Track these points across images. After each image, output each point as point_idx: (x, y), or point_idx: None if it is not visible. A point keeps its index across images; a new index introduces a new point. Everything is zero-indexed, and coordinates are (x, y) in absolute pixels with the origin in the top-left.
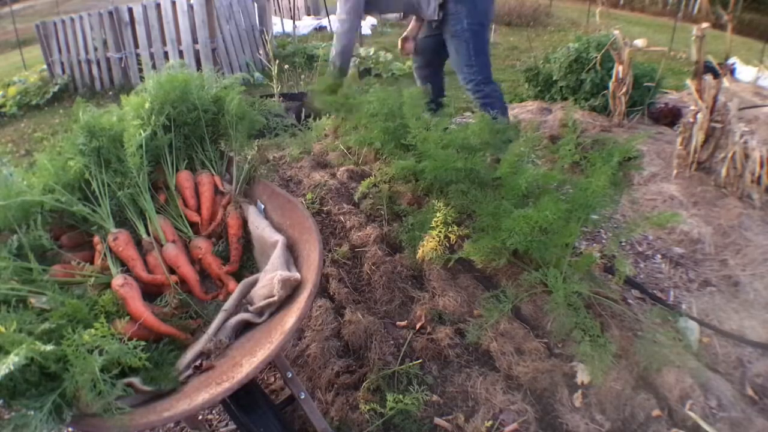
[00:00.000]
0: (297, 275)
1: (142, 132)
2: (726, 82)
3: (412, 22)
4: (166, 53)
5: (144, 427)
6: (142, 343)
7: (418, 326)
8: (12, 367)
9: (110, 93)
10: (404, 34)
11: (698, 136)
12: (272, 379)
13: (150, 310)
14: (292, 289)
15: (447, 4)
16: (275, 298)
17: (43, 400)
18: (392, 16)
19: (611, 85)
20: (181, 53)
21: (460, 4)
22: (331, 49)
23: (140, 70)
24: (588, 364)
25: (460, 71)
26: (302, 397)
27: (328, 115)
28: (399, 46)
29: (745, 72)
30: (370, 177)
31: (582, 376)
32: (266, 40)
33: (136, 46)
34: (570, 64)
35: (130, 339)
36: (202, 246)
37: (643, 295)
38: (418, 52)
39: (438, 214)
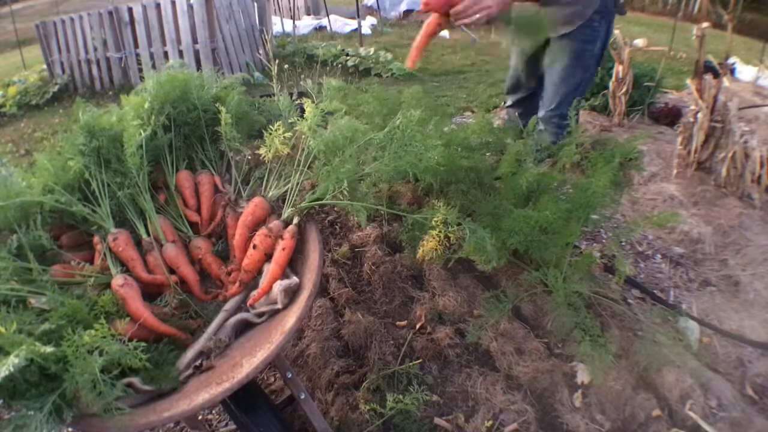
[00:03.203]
0: (296, 280)
1: (142, 132)
2: (726, 81)
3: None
4: (166, 53)
5: (144, 427)
6: (143, 343)
7: (418, 326)
8: (12, 369)
9: (110, 93)
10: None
11: (698, 136)
12: (272, 379)
13: (150, 310)
14: (293, 294)
15: (592, 15)
16: (278, 306)
17: (43, 400)
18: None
19: (611, 84)
20: (180, 53)
21: (605, 21)
22: None
23: (140, 70)
24: (588, 364)
25: (555, 95)
26: (302, 397)
27: None
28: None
29: (745, 72)
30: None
31: (582, 376)
32: (266, 40)
33: (136, 46)
34: None
35: (130, 340)
36: (202, 246)
37: (644, 294)
38: (519, 86)
39: (438, 214)
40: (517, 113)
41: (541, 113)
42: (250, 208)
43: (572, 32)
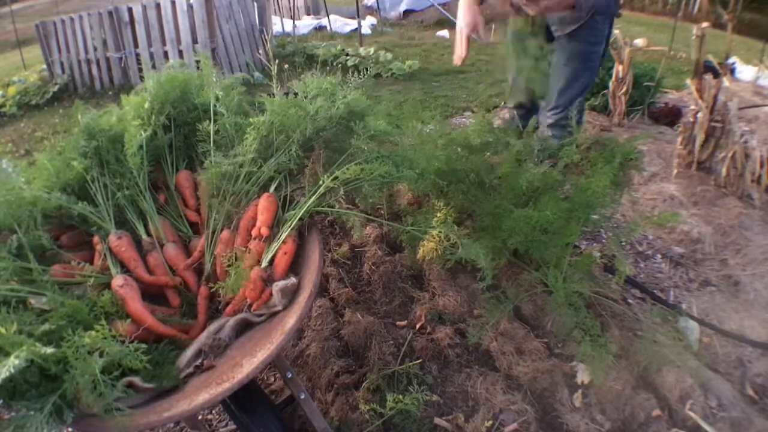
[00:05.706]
0: (293, 280)
1: (142, 132)
2: (726, 81)
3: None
4: (165, 53)
5: (144, 427)
6: (143, 345)
7: (418, 326)
8: (12, 369)
9: (110, 93)
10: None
11: (698, 136)
12: (272, 379)
13: (150, 310)
14: (292, 294)
15: (594, 14)
16: (278, 308)
17: (44, 401)
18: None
19: (611, 84)
20: (180, 53)
21: (607, 21)
22: None
23: (140, 70)
24: (588, 364)
25: (561, 97)
26: (302, 397)
27: None
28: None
29: (745, 72)
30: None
31: (582, 376)
32: (266, 40)
33: (136, 46)
34: None
35: (131, 340)
36: None
37: (644, 294)
38: (518, 93)
39: (438, 214)
40: (517, 114)
41: (548, 117)
42: (251, 211)
43: (579, 35)
